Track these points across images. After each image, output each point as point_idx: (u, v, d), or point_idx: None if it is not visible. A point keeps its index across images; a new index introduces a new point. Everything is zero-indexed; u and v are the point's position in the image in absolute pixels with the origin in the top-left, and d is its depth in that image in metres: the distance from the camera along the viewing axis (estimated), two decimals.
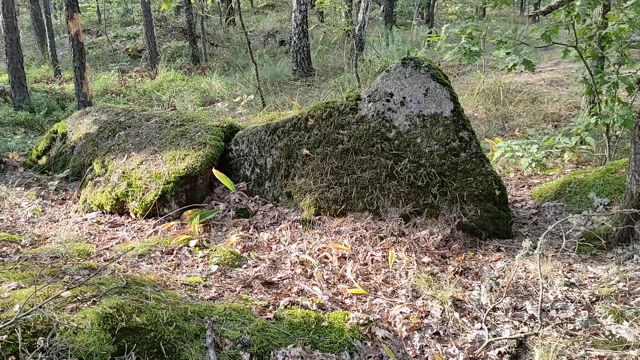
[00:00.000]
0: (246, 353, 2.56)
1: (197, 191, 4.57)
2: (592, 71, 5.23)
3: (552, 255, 3.79)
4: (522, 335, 2.92)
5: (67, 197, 5.21)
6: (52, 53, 14.82)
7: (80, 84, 7.47)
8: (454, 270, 3.64)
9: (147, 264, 3.56)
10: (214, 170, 4.36)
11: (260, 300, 3.15)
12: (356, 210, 4.24)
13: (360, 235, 4.02)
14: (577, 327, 2.90)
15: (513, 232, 4.20)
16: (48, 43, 15.28)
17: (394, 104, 4.37)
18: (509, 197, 5.25)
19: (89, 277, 2.73)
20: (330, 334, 2.86)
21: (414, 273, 3.57)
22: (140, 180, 4.52)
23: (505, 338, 2.91)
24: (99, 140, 5.43)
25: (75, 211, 4.91)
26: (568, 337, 2.90)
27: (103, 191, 4.68)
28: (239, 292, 3.21)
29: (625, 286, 3.24)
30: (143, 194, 4.43)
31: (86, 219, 4.65)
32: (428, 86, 4.34)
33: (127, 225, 4.40)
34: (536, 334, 2.90)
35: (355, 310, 3.19)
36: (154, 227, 4.27)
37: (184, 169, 4.47)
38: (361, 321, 2.98)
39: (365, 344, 2.85)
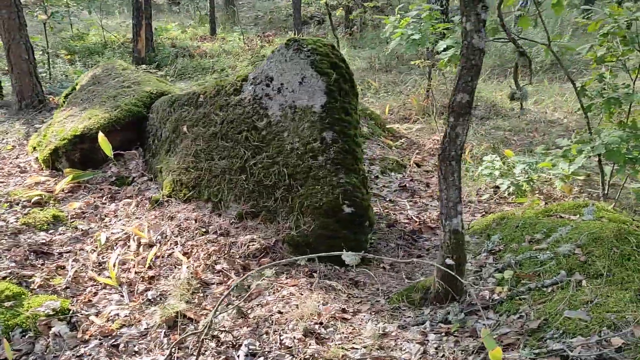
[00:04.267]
0: None
1: (96, 153, 4.62)
2: (572, 79, 3.97)
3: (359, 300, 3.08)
4: None
5: None
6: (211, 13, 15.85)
7: (136, 40, 8.03)
8: (228, 287, 3.17)
9: None
10: (99, 135, 4.38)
11: None
12: (201, 199, 3.92)
13: (186, 227, 3.72)
14: None
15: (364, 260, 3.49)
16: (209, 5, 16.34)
17: (272, 90, 3.87)
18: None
19: None
20: None
21: (182, 277, 3.20)
22: (51, 133, 4.75)
23: None
24: (78, 93, 5.80)
25: (27, 154, 5.36)
26: None
27: (34, 139, 5.03)
28: None
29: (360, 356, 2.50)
30: (45, 147, 4.66)
31: (22, 162, 5.05)
32: (305, 74, 3.75)
33: (27, 173, 4.69)
34: None
35: (77, 302, 3.00)
36: (36, 180, 4.47)
37: (82, 129, 4.56)
38: (48, 311, 2.79)
39: (24, 336, 2.67)
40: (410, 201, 4.71)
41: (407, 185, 4.99)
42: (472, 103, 2.39)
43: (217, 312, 2.59)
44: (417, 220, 4.30)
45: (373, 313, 2.93)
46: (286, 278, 3.30)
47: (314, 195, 3.53)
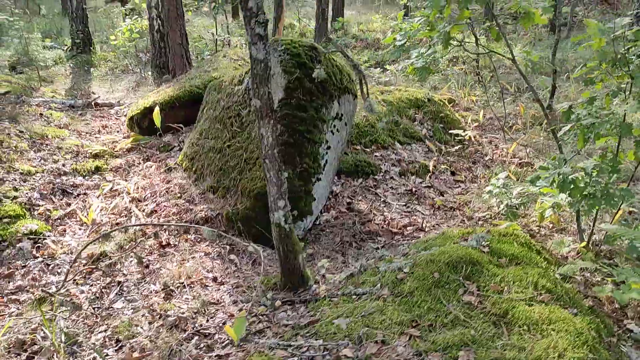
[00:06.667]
0: None
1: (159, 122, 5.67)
2: (543, 105, 3.55)
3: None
4: None
5: None
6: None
7: (274, 31, 9.05)
8: (160, 242, 3.85)
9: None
10: (155, 110, 5.40)
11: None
12: (192, 170, 4.63)
13: (171, 190, 4.48)
14: None
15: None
16: None
17: None
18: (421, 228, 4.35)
19: None
20: None
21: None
22: (137, 104, 5.95)
23: None
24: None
25: None
26: None
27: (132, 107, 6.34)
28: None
29: None
30: (129, 114, 5.89)
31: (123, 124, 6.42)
32: (275, 71, 4.15)
33: (116, 131, 5.98)
34: None
35: (55, 230, 4.02)
36: (110, 138, 5.71)
37: (151, 103, 5.65)
38: (25, 231, 3.85)
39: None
40: (404, 205, 4.72)
41: (416, 190, 4.97)
42: (268, 108, 2.61)
43: (80, 252, 3.31)
44: (383, 223, 4.36)
45: (233, 287, 3.32)
46: (205, 246, 3.85)
47: (253, 180, 3.97)
